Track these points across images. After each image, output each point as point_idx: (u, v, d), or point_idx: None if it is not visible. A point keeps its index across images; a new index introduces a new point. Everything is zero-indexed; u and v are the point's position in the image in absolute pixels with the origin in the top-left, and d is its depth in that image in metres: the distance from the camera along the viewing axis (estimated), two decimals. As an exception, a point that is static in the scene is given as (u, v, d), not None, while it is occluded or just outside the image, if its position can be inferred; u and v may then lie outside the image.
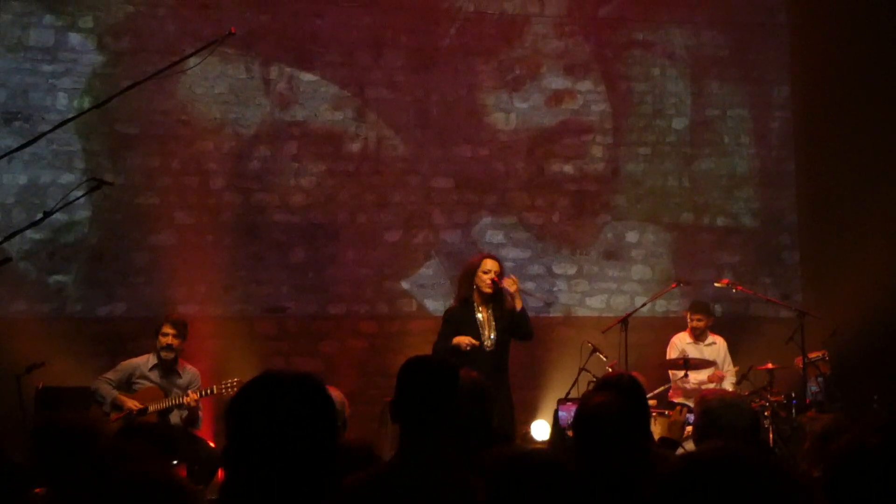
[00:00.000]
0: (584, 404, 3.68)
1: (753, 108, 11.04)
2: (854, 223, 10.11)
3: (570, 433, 6.27)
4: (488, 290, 7.43)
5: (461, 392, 3.42)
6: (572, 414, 5.94)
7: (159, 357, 8.04)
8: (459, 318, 7.45)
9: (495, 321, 7.41)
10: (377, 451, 4.41)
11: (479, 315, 7.47)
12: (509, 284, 7.43)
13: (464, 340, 7.31)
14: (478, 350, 7.30)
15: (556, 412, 7.83)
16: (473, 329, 7.39)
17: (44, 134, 6.00)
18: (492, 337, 7.39)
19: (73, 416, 4.34)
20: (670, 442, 5.26)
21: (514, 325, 7.48)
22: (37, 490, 4.94)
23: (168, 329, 8.04)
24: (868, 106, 10.26)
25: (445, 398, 3.27)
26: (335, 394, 5.33)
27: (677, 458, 1.77)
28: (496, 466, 2.69)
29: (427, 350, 8.07)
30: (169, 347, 8.03)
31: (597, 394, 3.70)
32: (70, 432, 3.93)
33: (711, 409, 4.37)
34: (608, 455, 3.42)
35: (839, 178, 10.45)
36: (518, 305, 7.48)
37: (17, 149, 6.20)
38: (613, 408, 3.55)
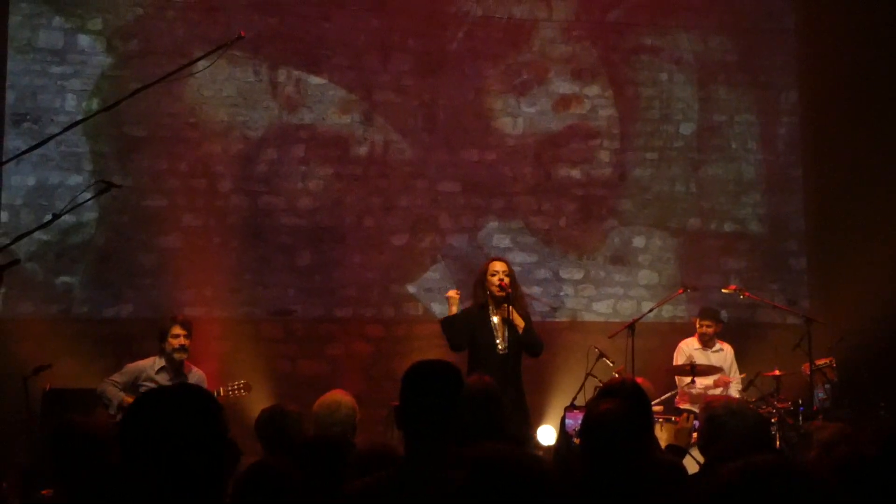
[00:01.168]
0: (590, 412, 3.67)
1: (761, 113, 11.03)
2: (861, 229, 10.08)
3: (576, 441, 6.27)
4: (498, 293, 7.44)
5: (472, 397, 3.41)
6: (579, 421, 5.93)
7: (168, 359, 8.03)
8: (474, 320, 7.47)
9: (508, 325, 7.41)
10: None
11: (494, 319, 7.49)
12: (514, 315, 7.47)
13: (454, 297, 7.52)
14: (491, 354, 7.32)
15: (562, 420, 7.82)
16: (488, 332, 7.42)
17: (53, 136, 6.02)
18: (506, 341, 7.39)
19: (88, 420, 4.35)
20: (677, 449, 5.25)
21: (523, 345, 7.51)
22: (44, 492, 4.96)
23: (178, 330, 8.02)
24: (876, 111, 10.25)
25: (449, 403, 3.26)
26: (346, 399, 5.35)
27: (728, 471, 1.76)
28: (472, 463, 2.68)
29: (433, 354, 8.08)
30: (182, 349, 8.02)
31: (602, 401, 3.70)
32: (86, 436, 3.94)
33: (716, 415, 4.38)
34: (616, 462, 3.41)
35: (847, 184, 10.43)
36: (520, 329, 7.49)
37: (26, 151, 6.22)
38: (619, 415, 3.55)
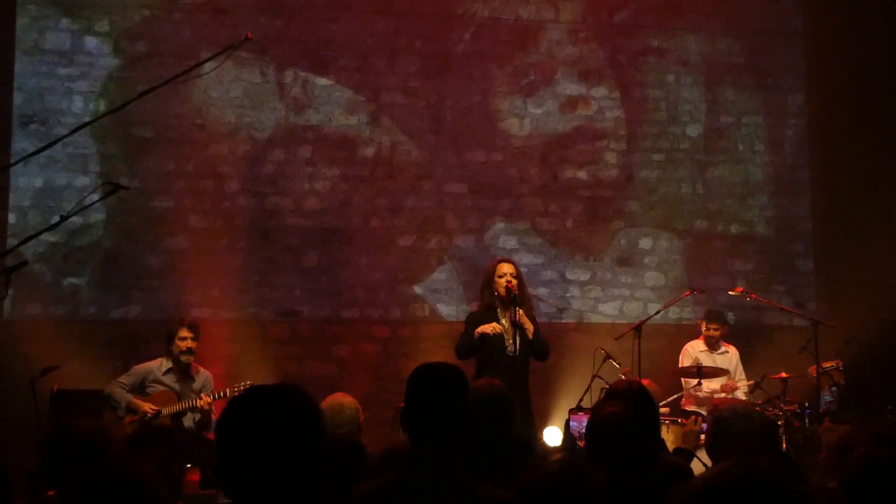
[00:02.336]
0: (595, 415, 3.68)
1: (768, 115, 11.02)
2: (869, 232, 10.06)
3: (581, 443, 6.27)
4: (506, 295, 7.44)
5: (483, 400, 3.42)
6: (584, 424, 5.93)
7: (175, 361, 8.05)
8: (482, 323, 7.46)
9: (517, 327, 7.40)
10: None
11: (503, 321, 7.48)
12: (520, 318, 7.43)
13: (488, 327, 7.34)
14: (501, 355, 7.32)
15: (567, 422, 7.82)
16: (497, 335, 7.40)
17: (61, 138, 6.04)
18: (515, 343, 7.38)
19: (84, 424, 4.34)
20: (685, 452, 5.25)
21: (531, 349, 7.50)
22: (50, 493, 4.97)
23: (186, 333, 8.04)
24: (883, 114, 10.24)
25: (454, 406, 3.26)
26: (348, 400, 5.37)
27: (694, 481, 1.74)
28: (525, 485, 2.70)
29: (440, 354, 8.09)
30: (190, 351, 8.04)
31: (608, 404, 3.70)
32: (81, 440, 3.95)
33: (723, 418, 4.38)
34: (621, 465, 3.42)
35: (854, 187, 10.42)
36: (530, 333, 7.48)
37: (35, 153, 6.25)
38: (625, 418, 3.55)
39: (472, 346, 7.43)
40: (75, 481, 2.52)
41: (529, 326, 7.46)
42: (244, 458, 2.36)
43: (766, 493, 1.67)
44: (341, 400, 5.37)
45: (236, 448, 2.38)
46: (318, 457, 2.41)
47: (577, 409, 8.20)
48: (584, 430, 3.64)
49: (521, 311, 7.39)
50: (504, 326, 7.47)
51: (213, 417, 8.09)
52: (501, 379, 4.91)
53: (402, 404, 3.35)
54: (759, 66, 11.03)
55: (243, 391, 2.53)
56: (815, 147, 10.97)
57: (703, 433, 5.99)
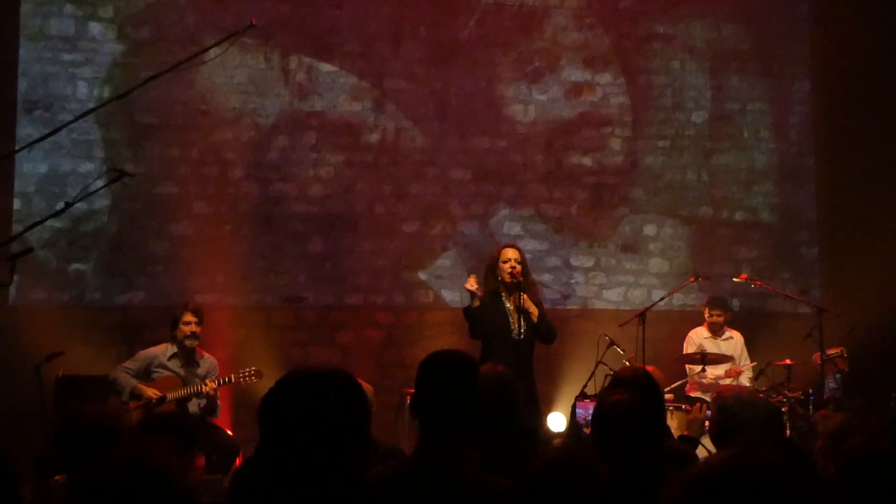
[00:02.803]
0: (601, 403, 3.68)
1: (773, 102, 10.99)
2: (874, 219, 10.06)
3: (587, 430, 6.28)
4: (510, 280, 7.44)
5: (487, 387, 3.42)
6: (589, 411, 5.94)
7: (179, 346, 8.06)
8: (488, 309, 7.46)
9: (522, 312, 7.41)
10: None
11: (508, 305, 7.49)
12: (525, 302, 7.43)
13: (467, 284, 7.43)
14: (506, 340, 7.33)
15: (573, 409, 7.83)
16: (503, 319, 7.42)
17: (66, 124, 6.04)
18: (520, 328, 7.38)
19: (96, 409, 4.37)
20: (690, 439, 5.26)
21: (537, 332, 7.51)
22: (56, 478, 4.99)
23: (190, 317, 8.06)
24: (889, 101, 10.22)
25: (465, 394, 3.27)
26: (365, 387, 5.42)
27: (693, 469, 1.74)
28: (528, 470, 2.71)
29: (444, 341, 8.11)
30: (194, 335, 8.06)
31: (614, 392, 3.71)
32: (93, 426, 3.96)
33: (728, 406, 4.38)
34: (627, 452, 3.42)
35: (859, 174, 10.40)
36: (535, 317, 7.49)
37: (40, 139, 6.24)
38: (631, 405, 3.56)
39: (474, 316, 7.45)
40: (87, 466, 2.52)
41: (534, 310, 7.47)
42: (288, 441, 2.33)
43: (765, 482, 1.66)
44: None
45: (281, 430, 2.34)
46: (366, 444, 2.38)
47: (583, 396, 8.22)
48: (589, 418, 3.65)
49: (525, 296, 7.40)
50: (508, 310, 7.47)
51: (219, 403, 8.12)
52: (505, 364, 4.93)
53: (407, 390, 3.36)
54: (764, 52, 11.00)
55: (290, 372, 2.48)
56: (820, 134, 10.95)
57: (707, 420, 6.01)
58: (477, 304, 7.44)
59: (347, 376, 2.45)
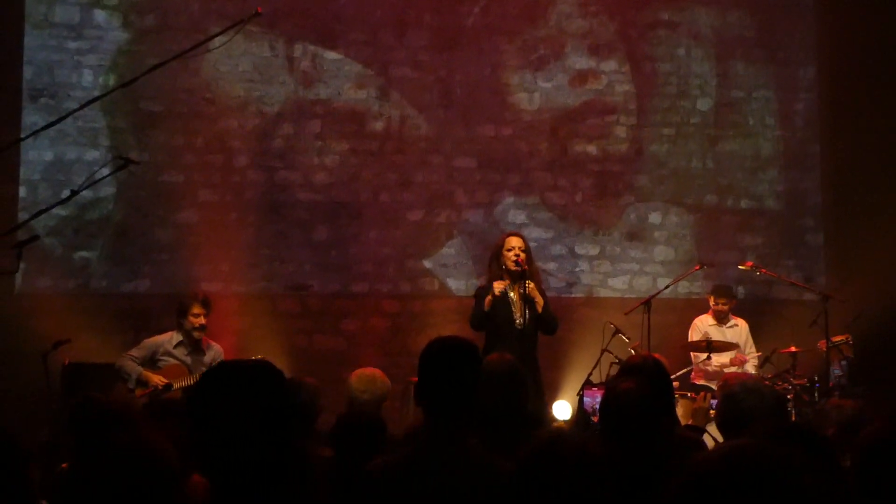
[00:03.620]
0: (610, 391, 3.68)
1: (779, 89, 10.96)
2: (879, 206, 10.05)
3: (595, 419, 6.29)
4: (514, 268, 7.43)
5: (495, 375, 3.42)
6: (597, 399, 5.94)
7: (185, 335, 8.06)
8: (494, 298, 7.45)
9: (526, 301, 7.40)
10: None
11: (511, 294, 7.48)
12: (530, 290, 7.42)
13: (497, 285, 7.36)
14: (510, 329, 7.32)
15: (580, 398, 7.84)
16: (506, 308, 7.41)
17: (72, 112, 6.04)
18: (523, 316, 7.38)
19: (108, 397, 4.40)
20: (695, 429, 5.27)
21: (540, 323, 7.50)
22: (64, 465, 5.00)
23: (198, 309, 8.05)
24: (894, 88, 10.18)
25: (468, 380, 3.27)
26: (383, 377, 5.52)
27: (701, 458, 1.73)
28: (527, 451, 2.72)
29: (449, 329, 8.11)
30: (202, 327, 8.05)
31: (623, 380, 3.70)
32: (105, 413, 3.98)
33: (733, 393, 4.39)
34: (636, 439, 3.43)
35: (864, 161, 10.38)
36: (539, 307, 7.48)
37: (45, 127, 6.25)
38: (640, 393, 3.56)
39: (483, 315, 7.44)
40: (98, 453, 2.54)
41: (539, 300, 7.47)
42: (216, 433, 2.40)
43: (777, 472, 1.65)
44: (377, 374, 5.61)
45: (207, 423, 2.41)
46: (288, 436, 2.45)
47: (590, 384, 8.22)
48: (597, 406, 3.66)
49: (531, 285, 7.40)
50: (512, 298, 7.47)
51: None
52: (510, 352, 4.93)
53: (413, 378, 3.37)
54: (770, 39, 10.96)
55: (214, 366, 2.62)
56: (825, 121, 10.92)
57: (711, 409, 6.01)
58: (489, 307, 7.43)
59: (269, 366, 2.56)
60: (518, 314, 7.39)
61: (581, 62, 10.68)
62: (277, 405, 2.45)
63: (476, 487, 3.04)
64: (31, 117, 9.60)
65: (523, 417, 4.18)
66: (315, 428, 5.34)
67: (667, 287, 9.38)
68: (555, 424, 8.62)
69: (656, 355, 7.47)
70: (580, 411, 7.69)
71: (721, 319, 9.41)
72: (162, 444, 2.56)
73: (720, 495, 1.63)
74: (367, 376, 5.46)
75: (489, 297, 7.41)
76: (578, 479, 2.65)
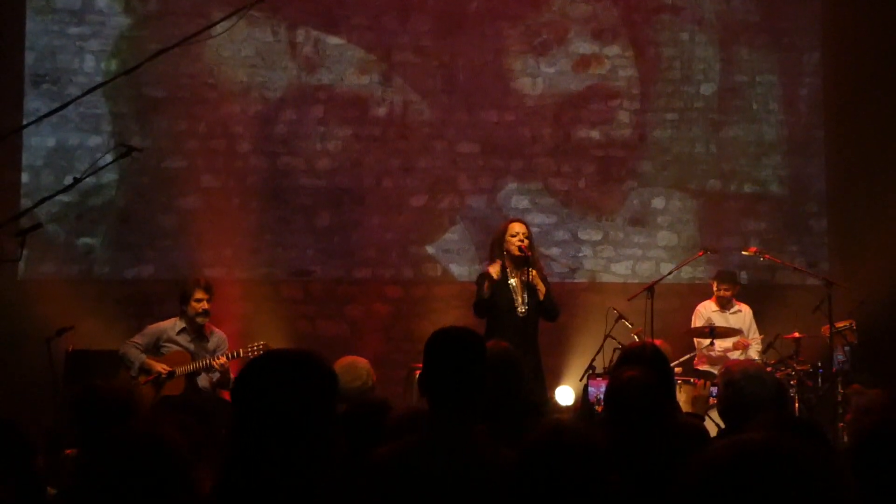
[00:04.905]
0: (615, 380, 3.69)
1: (783, 74, 10.92)
2: (883, 192, 10.03)
3: (599, 408, 6.28)
4: (517, 254, 7.40)
5: (491, 362, 3.42)
6: (601, 389, 5.95)
7: (188, 321, 8.07)
8: (494, 283, 7.42)
9: (528, 287, 7.39)
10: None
11: (512, 281, 7.44)
12: (533, 278, 7.38)
13: (493, 270, 7.36)
14: (511, 316, 7.29)
15: (585, 387, 7.81)
16: (507, 294, 7.37)
17: (75, 99, 6.03)
18: (525, 303, 7.36)
19: (111, 384, 4.40)
20: (694, 416, 5.28)
21: (543, 311, 7.47)
22: (67, 451, 5.02)
23: (201, 294, 8.04)
24: (899, 73, 10.16)
25: (473, 371, 3.27)
26: (361, 360, 5.43)
27: (711, 451, 1.72)
28: (528, 441, 2.72)
29: (452, 315, 8.11)
30: (205, 312, 8.05)
31: (626, 369, 3.71)
32: (108, 401, 3.98)
33: (735, 380, 4.39)
34: (641, 427, 3.43)
35: (869, 146, 10.36)
36: (542, 294, 7.45)
37: (48, 114, 6.24)
38: (644, 382, 3.57)
39: (483, 302, 7.41)
40: (102, 441, 2.54)
41: (542, 288, 7.44)
42: (259, 421, 2.37)
43: (789, 467, 1.64)
44: (355, 360, 5.48)
45: (252, 411, 2.39)
46: (333, 425, 2.43)
47: (594, 373, 8.21)
48: (601, 396, 3.66)
49: (534, 272, 7.38)
50: (514, 285, 7.45)
51: (232, 376, 8.14)
52: (511, 339, 4.92)
53: (415, 364, 3.37)
54: (774, 24, 10.91)
55: (260, 354, 2.56)
56: (829, 106, 10.88)
57: (711, 396, 6.02)
58: (489, 294, 7.39)
59: (318, 358, 2.52)
60: (520, 301, 7.38)
61: (584, 47, 10.65)
62: (327, 398, 2.42)
63: (479, 478, 3.04)
64: (34, 103, 9.61)
65: (520, 405, 4.18)
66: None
67: (670, 273, 9.37)
68: (558, 414, 8.65)
69: (658, 341, 7.52)
70: (584, 401, 7.67)
71: (724, 305, 9.40)
72: (172, 434, 2.56)
73: (730, 490, 1.62)
74: (347, 365, 5.38)
75: (487, 283, 7.37)
76: (583, 468, 2.65)
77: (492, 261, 7.61)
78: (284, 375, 2.43)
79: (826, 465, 1.65)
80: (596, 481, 2.64)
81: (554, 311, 7.58)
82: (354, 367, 5.38)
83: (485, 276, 7.49)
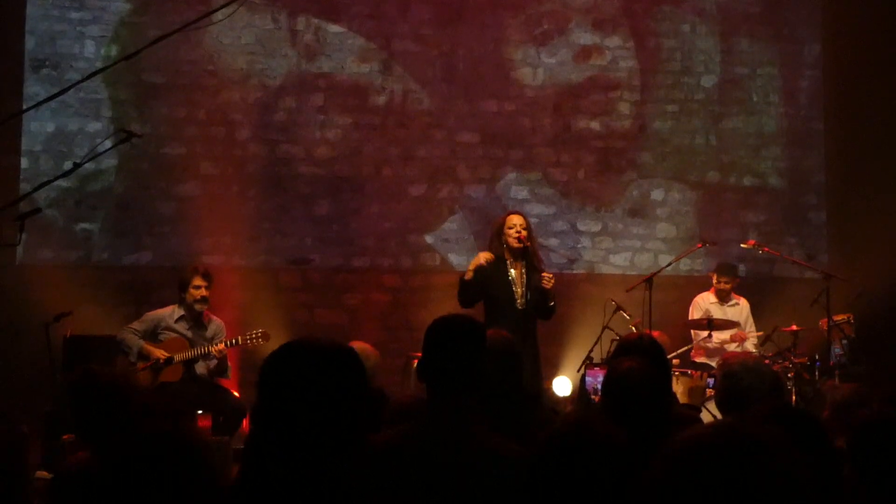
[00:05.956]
0: (613, 370, 3.69)
1: (783, 66, 10.91)
2: (882, 184, 10.03)
3: (595, 398, 6.30)
4: (516, 245, 7.39)
5: (491, 350, 3.41)
6: (598, 379, 5.96)
7: (187, 308, 8.06)
8: (492, 275, 7.39)
9: (527, 280, 7.37)
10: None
11: (512, 272, 7.43)
12: (546, 281, 7.34)
13: (481, 258, 7.34)
14: (509, 308, 7.27)
15: (582, 377, 7.84)
16: (506, 286, 7.34)
17: (75, 84, 6.01)
18: (524, 296, 7.35)
19: (107, 370, 4.40)
20: (691, 407, 5.30)
21: (541, 310, 7.43)
22: (65, 437, 5.03)
23: (200, 281, 8.03)
24: (900, 66, 10.15)
25: (472, 358, 3.26)
26: (369, 349, 5.49)
27: (681, 438, 1.72)
28: (545, 440, 2.71)
29: (450, 304, 8.09)
30: (204, 300, 8.04)
31: (624, 359, 3.71)
32: (105, 386, 3.99)
33: (733, 372, 4.41)
34: (639, 418, 3.43)
35: (868, 139, 10.36)
36: (551, 298, 7.42)
37: (47, 99, 6.24)
38: (643, 372, 3.57)
39: (468, 288, 7.38)
40: (99, 427, 2.52)
41: (547, 288, 7.33)
42: (285, 413, 2.30)
43: (752, 454, 1.65)
44: (364, 348, 5.52)
45: (279, 401, 2.33)
46: (364, 419, 2.38)
47: (592, 363, 8.21)
48: (598, 386, 3.67)
49: (548, 275, 7.31)
50: (513, 278, 7.43)
51: (229, 364, 8.14)
52: (510, 332, 4.92)
53: (413, 353, 3.37)
54: (774, 16, 10.90)
55: (290, 342, 2.45)
56: (829, 99, 10.88)
57: (708, 388, 6.05)
58: (470, 276, 7.36)
59: (351, 351, 2.45)
60: (519, 293, 7.36)
61: (585, 37, 10.63)
62: (356, 393, 2.36)
63: (476, 466, 3.04)
64: (33, 88, 9.59)
65: (518, 393, 4.18)
66: None
67: (668, 264, 9.38)
68: (554, 405, 8.66)
69: (655, 333, 7.52)
70: (582, 390, 7.69)
71: (723, 298, 9.41)
72: (196, 431, 2.53)
73: (700, 475, 1.63)
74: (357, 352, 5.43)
75: (471, 267, 7.37)
76: (605, 466, 2.64)
77: (490, 251, 7.59)
78: (317, 367, 2.33)
79: (801, 453, 1.66)
80: (616, 480, 2.62)
81: (548, 312, 7.48)
82: (364, 356, 5.42)
83: (485, 270, 7.46)
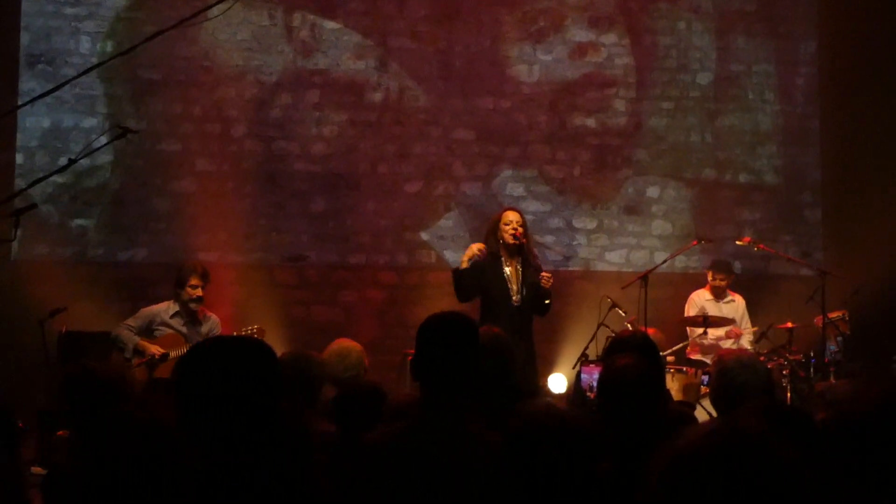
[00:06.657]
0: (609, 367, 3.69)
1: (779, 63, 10.91)
2: (878, 182, 10.04)
3: (591, 395, 6.30)
4: (512, 242, 7.38)
5: (483, 347, 3.42)
6: (594, 376, 5.97)
7: (183, 305, 8.06)
8: (487, 272, 7.39)
9: (523, 277, 7.37)
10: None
11: (507, 269, 7.42)
12: (545, 280, 7.34)
13: (473, 250, 7.35)
14: (504, 305, 7.27)
15: (577, 374, 7.82)
16: (501, 283, 7.34)
17: (70, 80, 6.02)
18: (519, 292, 7.34)
19: (104, 365, 4.39)
20: (686, 404, 5.30)
21: (537, 306, 7.42)
22: (60, 433, 5.02)
23: (196, 281, 8.02)
24: (895, 63, 10.15)
25: (466, 356, 3.26)
26: (353, 345, 5.45)
27: (679, 440, 1.73)
28: (515, 422, 2.73)
29: (446, 301, 8.09)
30: (199, 299, 8.03)
31: (619, 357, 3.71)
32: (101, 382, 3.98)
33: (728, 369, 4.41)
34: (634, 415, 3.44)
35: (864, 137, 10.37)
36: (548, 297, 7.41)
37: (43, 95, 6.23)
38: (638, 369, 3.57)
39: (462, 279, 7.38)
40: (94, 423, 2.55)
41: (545, 288, 7.33)
42: (201, 406, 2.41)
43: (749, 454, 1.65)
44: (347, 344, 5.49)
45: (194, 396, 2.42)
46: (277, 412, 2.46)
47: (587, 360, 8.21)
48: (594, 383, 3.68)
49: (547, 275, 7.31)
50: (508, 275, 7.43)
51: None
52: (505, 328, 4.91)
53: (409, 350, 3.37)
54: (771, 13, 10.90)
55: (201, 341, 2.63)
56: (825, 96, 10.88)
57: (702, 385, 6.06)
58: (465, 265, 7.37)
59: (261, 344, 2.59)
60: (514, 290, 7.36)
61: (581, 35, 10.63)
62: (265, 380, 2.45)
63: (470, 462, 3.04)
64: (29, 83, 9.58)
65: (512, 391, 4.18)
66: (319, 402, 5.31)
67: (664, 262, 9.38)
68: (548, 398, 8.65)
69: (651, 330, 7.52)
70: (577, 387, 7.68)
71: (718, 295, 9.41)
72: (165, 415, 2.57)
73: (700, 476, 1.64)
74: (339, 351, 5.38)
75: (465, 257, 7.38)
76: (570, 451, 2.66)
77: (486, 249, 7.58)
78: (224, 361, 2.48)
79: (798, 455, 1.66)
80: (584, 465, 2.64)
81: (546, 309, 7.48)
82: (346, 352, 5.39)
83: (481, 267, 7.46)
